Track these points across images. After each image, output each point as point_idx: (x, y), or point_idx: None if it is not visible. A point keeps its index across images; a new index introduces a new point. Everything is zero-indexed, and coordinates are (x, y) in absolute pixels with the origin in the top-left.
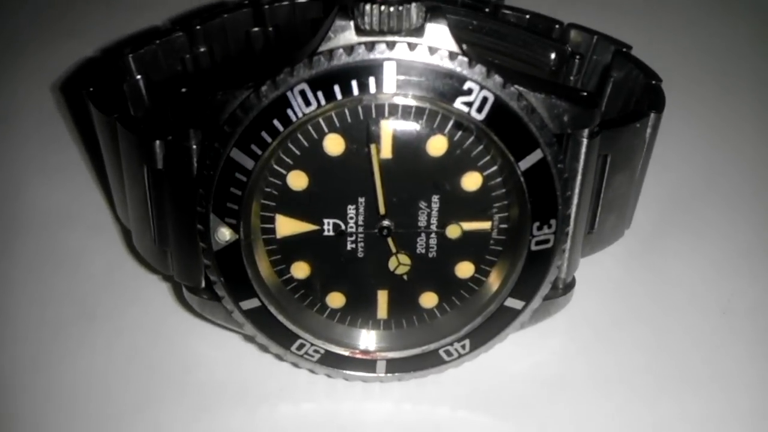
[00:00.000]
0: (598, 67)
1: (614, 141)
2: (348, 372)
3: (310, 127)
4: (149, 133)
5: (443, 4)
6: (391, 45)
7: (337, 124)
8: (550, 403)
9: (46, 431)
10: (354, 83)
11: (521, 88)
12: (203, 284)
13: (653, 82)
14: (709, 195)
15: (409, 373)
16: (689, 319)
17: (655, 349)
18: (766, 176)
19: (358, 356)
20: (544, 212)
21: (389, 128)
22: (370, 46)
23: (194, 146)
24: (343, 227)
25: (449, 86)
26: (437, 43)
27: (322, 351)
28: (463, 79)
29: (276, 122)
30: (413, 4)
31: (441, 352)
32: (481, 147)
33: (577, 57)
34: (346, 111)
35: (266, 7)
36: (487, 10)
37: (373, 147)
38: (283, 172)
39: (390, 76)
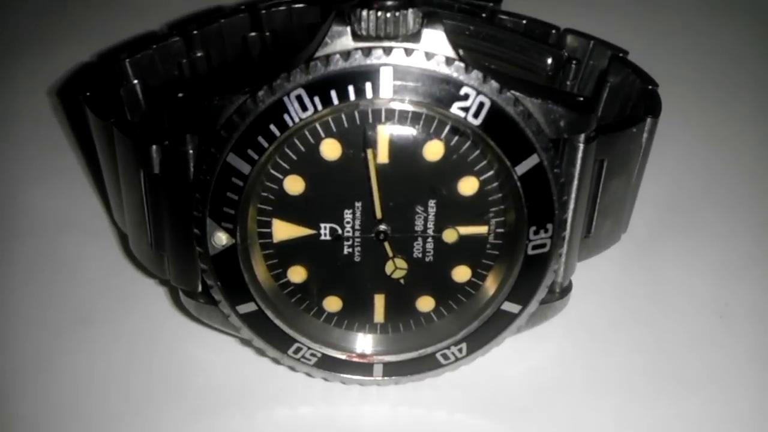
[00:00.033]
0: (594, 72)
1: (611, 146)
2: (345, 375)
3: (306, 132)
4: (146, 137)
5: (440, 9)
6: (387, 50)
7: (334, 129)
8: (548, 407)
9: None
10: (351, 88)
11: (518, 94)
12: (200, 288)
13: (650, 87)
14: (706, 199)
15: (406, 377)
16: (686, 321)
17: (652, 352)
18: (763, 180)
19: (355, 360)
20: (541, 217)
21: (386, 133)
22: (367, 52)
23: (191, 151)
24: (339, 231)
25: (446, 91)
26: (434, 49)
27: (319, 355)
28: (459, 85)
29: (273, 127)
30: (410, 10)
31: (438, 355)
32: (477, 152)
33: (574, 62)
34: (343, 116)
35: (263, 12)
36: (483, 15)
37: (369, 152)
38: (280, 176)
39: (386, 81)
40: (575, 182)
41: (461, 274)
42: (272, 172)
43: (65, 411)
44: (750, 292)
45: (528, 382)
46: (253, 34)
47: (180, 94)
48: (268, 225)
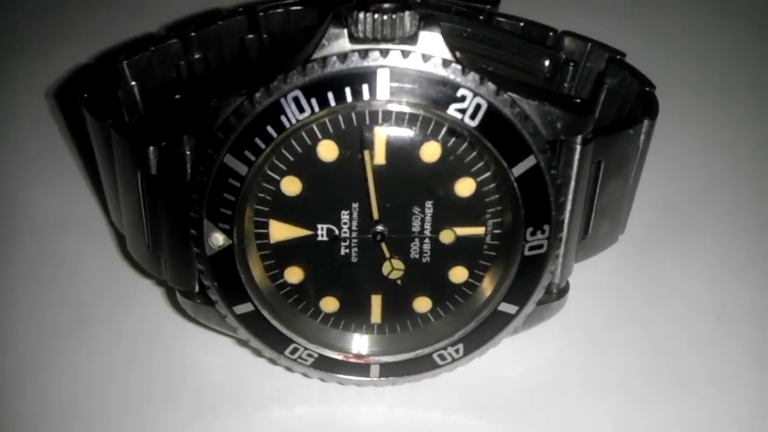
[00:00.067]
0: (592, 75)
1: (608, 147)
2: (341, 376)
3: (303, 134)
4: (143, 139)
5: (437, 11)
6: (384, 53)
7: (331, 131)
8: (545, 408)
9: None
10: (347, 90)
11: (514, 95)
12: (197, 289)
13: (647, 89)
14: (704, 201)
15: (402, 378)
16: (684, 323)
17: (649, 353)
18: (761, 182)
19: (352, 360)
20: (538, 218)
21: (383, 134)
22: (364, 54)
23: (188, 152)
24: (336, 232)
25: (443, 93)
26: (431, 51)
27: (316, 355)
28: (456, 87)
29: (269, 128)
30: (406, 13)
31: (435, 356)
32: (474, 153)
33: (571, 64)
34: (340, 117)
35: (261, 14)
36: (481, 17)
37: (366, 153)
38: (277, 177)
39: (383, 83)
40: (572, 183)
41: (458, 274)
42: (269, 173)
43: (64, 411)
44: (748, 294)
45: (525, 383)
46: (250, 36)
47: (177, 96)
48: (265, 226)
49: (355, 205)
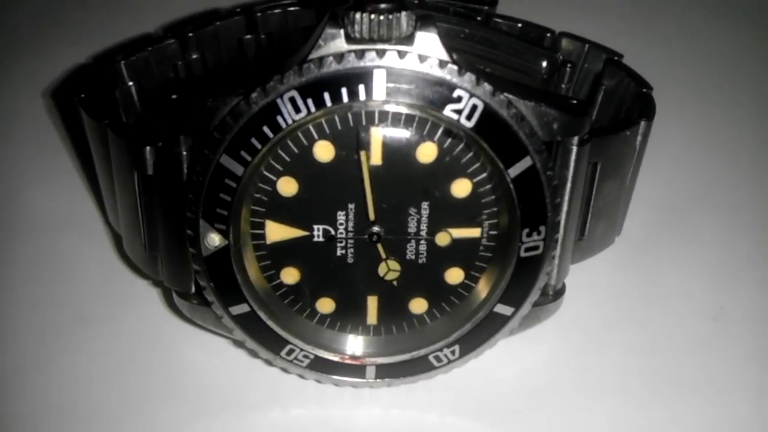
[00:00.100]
0: (589, 76)
1: (604, 149)
2: (337, 377)
3: (299, 134)
4: (140, 139)
5: (434, 12)
6: (380, 53)
7: (327, 131)
8: (541, 409)
9: None
10: (344, 90)
11: (511, 96)
12: (193, 289)
13: (644, 90)
14: (702, 202)
15: (398, 379)
16: (681, 324)
17: (647, 354)
18: (760, 183)
19: (348, 362)
20: (534, 219)
21: (379, 135)
22: (360, 54)
23: (184, 152)
24: (332, 233)
25: (439, 94)
26: (427, 52)
27: (312, 356)
28: (452, 87)
29: (266, 129)
30: (403, 13)
31: (430, 357)
32: (470, 154)
33: (569, 65)
34: (336, 118)
35: (259, 14)
36: (479, 18)
37: (362, 154)
38: (273, 178)
39: (380, 83)
40: (568, 185)
41: (454, 276)
42: (265, 173)
43: (64, 411)
44: (746, 295)
45: (521, 385)
46: (248, 36)
47: (173, 96)
48: (261, 226)
49: (351, 206)
